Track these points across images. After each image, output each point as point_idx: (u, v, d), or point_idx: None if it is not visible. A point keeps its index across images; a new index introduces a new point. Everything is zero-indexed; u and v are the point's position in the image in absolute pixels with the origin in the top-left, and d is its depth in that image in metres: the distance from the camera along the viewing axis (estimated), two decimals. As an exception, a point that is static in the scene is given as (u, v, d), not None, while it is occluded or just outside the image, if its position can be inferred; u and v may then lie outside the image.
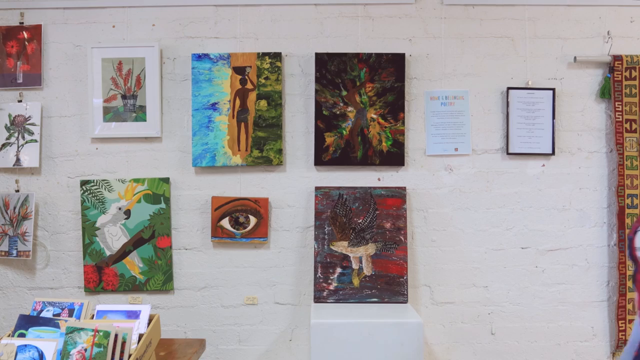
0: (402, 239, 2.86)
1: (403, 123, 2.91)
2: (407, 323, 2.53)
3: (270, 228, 2.93)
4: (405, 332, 2.50)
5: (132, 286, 2.91)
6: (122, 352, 1.58)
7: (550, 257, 2.94)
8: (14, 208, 2.93)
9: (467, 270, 2.94)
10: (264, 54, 2.91)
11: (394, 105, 2.91)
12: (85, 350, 1.56)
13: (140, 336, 1.67)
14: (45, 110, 2.96)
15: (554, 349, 2.93)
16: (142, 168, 2.95)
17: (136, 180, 2.92)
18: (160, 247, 2.91)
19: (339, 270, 2.84)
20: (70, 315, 1.82)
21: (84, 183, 2.91)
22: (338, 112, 2.91)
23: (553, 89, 2.92)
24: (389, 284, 2.82)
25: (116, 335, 1.57)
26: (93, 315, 1.82)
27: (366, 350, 2.49)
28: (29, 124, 2.94)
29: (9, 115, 2.95)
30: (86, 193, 2.91)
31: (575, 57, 2.92)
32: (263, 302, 2.94)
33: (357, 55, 2.91)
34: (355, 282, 2.83)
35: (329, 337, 2.50)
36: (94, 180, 2.92)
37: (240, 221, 2.90)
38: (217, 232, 2.90)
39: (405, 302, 2.81)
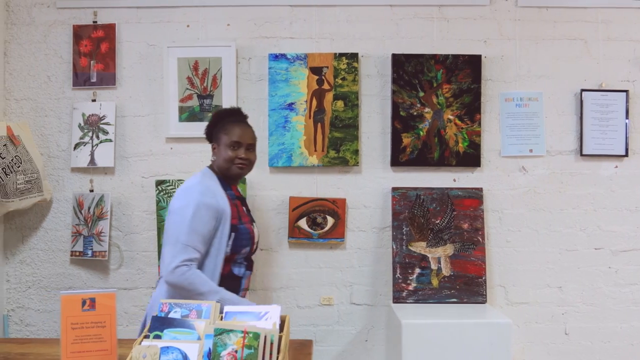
0: (480, 239, 2.87)
1: (479, 124, 2.92)
2: (496, 323, 2.54)
3: (346, 228, 2.93)
4: (494, 332, 2.52)
5: (207, 287, 2.90)
6: (270, 354, 1.58)
7: (623, 258, 2.96)
8: (89, 208, 2.91)
9: (541, 270, 2.96)
10: (341, 55, 2.91)
11: (471, 107, 2.92)
12: (236, 351, 1.55)
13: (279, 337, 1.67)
14: (118, 109, 2.94)
15: (627, 349, 2.96)
16: (217, 168, 2.94)
17: (212, 181, 2.90)
18: (237, 247, 2.90)
19: (417, 270, 2.85)
20: (199, 316, 1.81)
21: (159, 183, 2.90)
22: (415, 113, 2.91)
23: (626, 91, 2.94)
24: (467, 285, 2.84)
25: (265, 337, 1.57)
26: (222, 317, 1.81)
27: (455, 350, 2.51)
28: (103, 124, 2.92)
29: (83, 115, 2.93)
30: (162, 193, 2.90)
31: (648, 60, 2.95)
32: (339, 302, 2.95)
33: (433, 56, 2.91)
34: (435, 282, 2.84)
35: (420, 338, 2.51)
36: (169, 181, 2.91)
37: (318, 222, 2.90)
38: (295, 233, 2.90)
39: (484, 302, 2.83)
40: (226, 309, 1.83)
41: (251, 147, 2.33)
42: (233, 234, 2.20)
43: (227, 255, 2.19)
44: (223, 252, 2.18)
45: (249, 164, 2.32)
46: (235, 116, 2.36)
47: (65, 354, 1.78)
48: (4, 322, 2.92)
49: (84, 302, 1.83)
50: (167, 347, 1.63)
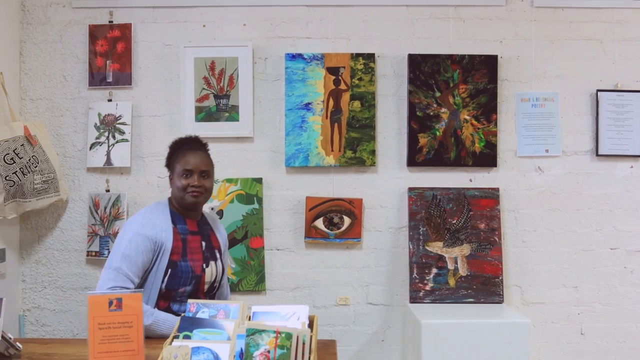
0: (497, 239, 2.88)
1: (496, 124, 2.92)
2: (515, 323, 2.55)
3: (363, 229, 2.93)
4: (514, 332, 2.52)
5: (224, 287, 2.90)
6: (302, 354, 1.58)
7: (638, 258, 2.97)
8: (105, 208, 2.90)
9: (557, 270, 2.96)
10: (358, 55, 2.91)
11: (487, 107, 2.92)
12: (269, 352, 1.55)
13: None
14: (134, 109, 2.94)
15: (643, 349, 2.97)
16: (233, 168, 2.94)
17: (229, 181, 2.91)
18: (253, 247, 2.91)
19: (434, 270, 2.85)
20: (227, 316, 1.81)
21: (175, 183, 2.89)
22: (431, 113, 2.92)
23: (642, 91, 2.95)
24: (484, 285, 2.84)
25: (297, 337, 1.57)
26: (249, 317, 1.81)
27: (474, 350, 2.51)
28: (119, 124, 2.92)
29: (99, 115, 2.93)
30: (178, 193, 2.89)
31: (664, 60, 2.96)
32: (355, 302, 2.95)
33: (450, 56, 2.92)
34: (451, 282, 2.84)
35: (439, 338, 2.51)
36: (186, 180, 2.90)
37: (335, 222, 2.90)
38: (311, 233, 2.90)
39: (501, 302, 2.83)
40: (254, 308, 1.83)
41: (206, 173, 2.24)
42: (170, 270, 2.13)
43: (163, 291, 2.13)
44: (157, 287, 2.13)
45: (203, 191, 2.23)
46: (191, 144, 2.30)
47: (92, 354, 1.78)
48: (20, 322, 2.92)
49: (110, 303, 1.83)
50: (198, 348, 1.63)
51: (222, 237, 2.41)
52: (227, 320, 1.75)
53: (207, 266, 2.23)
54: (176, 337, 1.71)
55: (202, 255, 2.24)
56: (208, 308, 1.82)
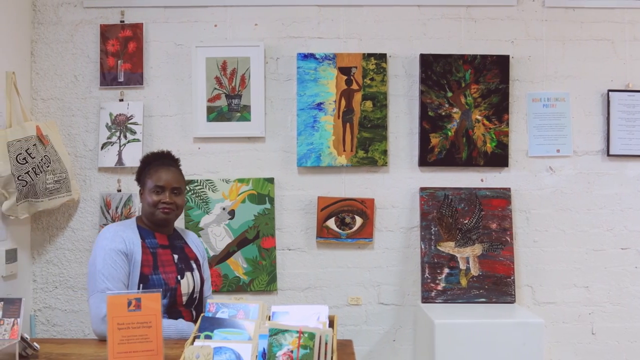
0: (508, 239, 2.88)
1: (507, 124, 2.92)
2: (529, 323, 2.55)
3: (374, 229, 2.93)
4: (527, 332, 2.52)
5: (235, 287, 2.90)
6: (325, 354, 1.58)
7: (649, 258, 2.98)
8: (116, 208, 2.90)
9: (568, 270, 2.96)
10: (370, 55, 2.91)
11: (499, 107, 2.92)
12: (292, 352, 1.55)
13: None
14: (146, 109, 2.94)
15: (654, 349, 2.97)
16: (244, 168, 2.94)
17: (241, 181, 2.91)
18: (265, 247, 2.90)
19: (446, 270, 2.85)
20: (246, 316, 1.81)
21: (187, 183, 2.89)
22: (443, 113, 2.92)
23: (653, 91, 2.96)
24: (496, 284, 2.84)
25: (320, 337, 1.57)
26: (269, 317, 1.81)
27: (488, 350, 2.51)
28: (131, 123, 2.92)
29: (110, 115, 2.92)
30: (190, 193, 2.90)
31: (675, 60, 2.96)
32: (367, 302, 2.95)
33: (462, 56, 2.92)
34: (463, 282, 2.84)
35: (453, 337, 2.51)
36: (197, 180, 2.90)
37: (347, 222, 2.90)
38: (323, 233, 2.90)
39: (513, 302, 2.83)
40: (273, 308, 1.83)
41: (177, 190, 2.24)
42: (141, 285, 2.12)
43: None
44: None
45: (175, 208, 2.23)
46: (163, 159, 2.30)
47: (112, 354, 1.78)
48: (31, 322, 2.91)
49: (129, 303, 1.83)
50: (220, 348, 1.63)
51: (198, 248, 2.40)
52: (247, 320, 1.75)
53: (182, 277, 2.21)
54: (197, 337, 1.71)
55: (176, 267, 2.22)
56: (227, 308, 1.82)
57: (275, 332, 1.57)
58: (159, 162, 2.29)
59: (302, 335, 1.57)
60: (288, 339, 1.57)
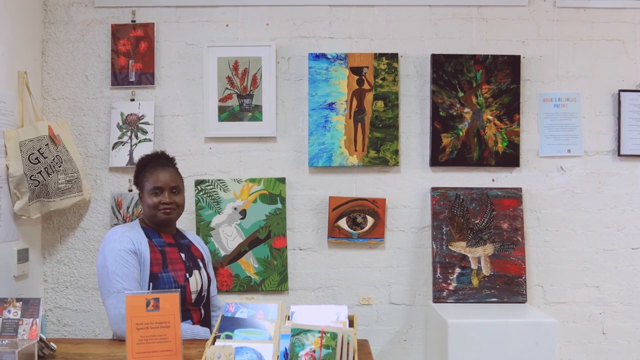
0: (520, 239, 2.88)
1: (518, 124, 2.93)
2: (542, 322, 2.55)
3: (386, 228, 2.93)
4: (541, 332, 2.53)
5: (246, 286, 2.90)
6: (347, 354, 1.58)
7: (660, 258, 2.98)
8: (127, 208, 2.90)
9: (578, 270, 2.97)
10: (381, 55, 2.91)
11: (510, 107, 2.93)
12: (314, 351, 1.55)
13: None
14: (157, 109, 2.94)
15: (665, 348, 2.98)
16: (256, 168, 2.94)
17: (252, 180, 2.90)
18: (276, 247, 2.90)
19: (457, 270, 2.85)
20: (266, 316, 1.81)
21: (198, 183, 2.89)
22: (455, 113, 2.92)
23: (664, 92, 2.96)
24: (507, 284, 2.84)
25: (342, 337, 1.57)
26: (288, 316, 1.81)
27: (501, 350, 2.52)
28: (142, 123, 2.91)
29: (121, 114, 2.92)
30: (201, 193, 2.90)
31: (685, 60, 2.96)
32: (378, 302, 2.95)
33: (473, 56, 2.92)
34: (475, 282, 2.84)
35: (466, 337, 2.51)
36: (209, 180, 2.90)
37: (358, 221, 2.90)
38: (334, 233, 2.90)
39: (524, 302, 2.84)
40: (292, 308, 1.83)
41: (176, 189, 2.25)
42: (151, 284, 2.12)
43: None
44: None
45: (175, 207, 2.24)
46: (158, 160, 2.31)
47: (131, 354, 1.78)
48: (42, 322, 2.90)
49: (148, 303, 1.83)
50: (241, 347, 1.63)
51: (202, 248, 2.41)
52: (267, 320, 1.75)
53: (190, 275, 2.21)
54: (217, 337, 1.71)
55: (184, 265, 2.23)
56: (247, 308, 1.82)
57: (297, 332, 1.58)
58: (155, 163, 2.30)
59: (324, 335, 1.57)
60: (310, 338, 1.57)
